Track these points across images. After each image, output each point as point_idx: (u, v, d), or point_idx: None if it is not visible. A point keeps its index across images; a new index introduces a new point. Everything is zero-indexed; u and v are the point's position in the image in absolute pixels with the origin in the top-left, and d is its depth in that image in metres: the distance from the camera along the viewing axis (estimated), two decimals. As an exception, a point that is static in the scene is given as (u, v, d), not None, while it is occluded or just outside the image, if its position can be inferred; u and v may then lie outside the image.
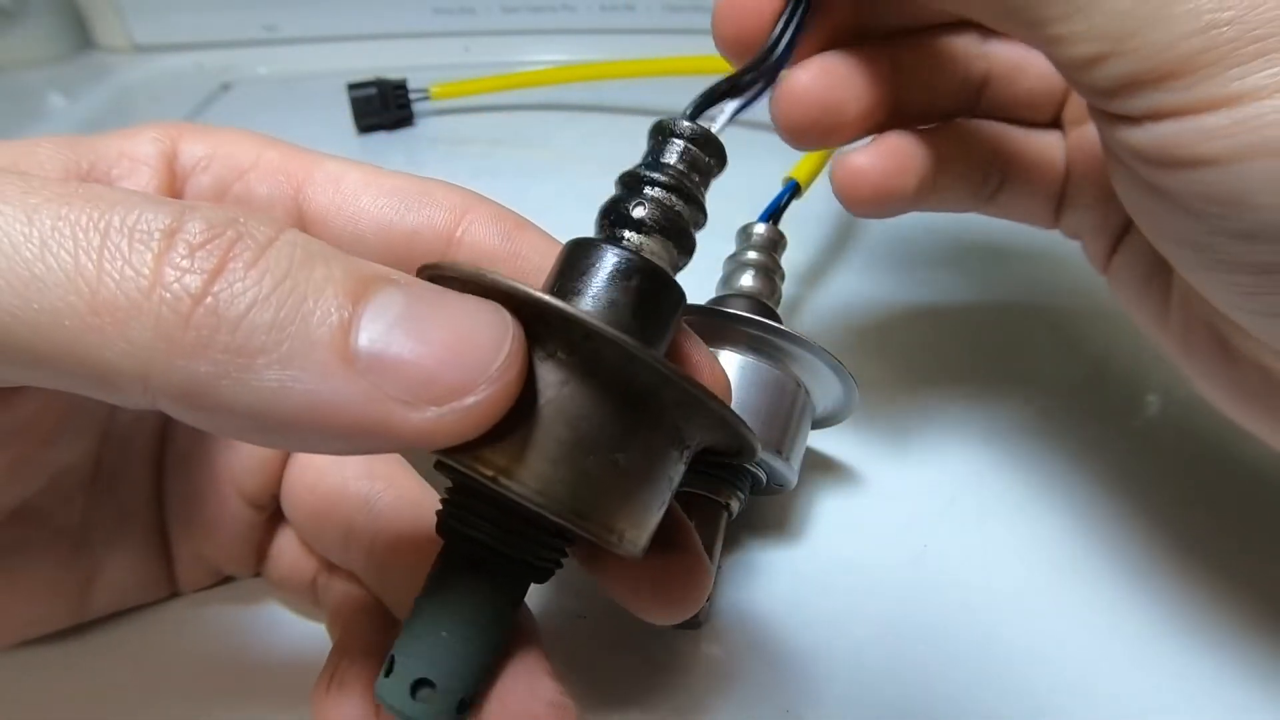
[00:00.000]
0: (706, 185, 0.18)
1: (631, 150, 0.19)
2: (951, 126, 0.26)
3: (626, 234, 0.17)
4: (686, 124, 0.18)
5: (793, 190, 0.32)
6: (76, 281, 0.12)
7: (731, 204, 0.27)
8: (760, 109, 0.22)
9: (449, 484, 0.18)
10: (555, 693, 0.18)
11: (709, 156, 0.18)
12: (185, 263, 0.13)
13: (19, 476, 0.19)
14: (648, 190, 0.17)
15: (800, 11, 0.21)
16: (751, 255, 0.32)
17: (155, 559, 0.23)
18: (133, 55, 0.62)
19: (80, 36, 0.63)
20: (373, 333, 0.13)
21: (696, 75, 0.48)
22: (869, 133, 0.25)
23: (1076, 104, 0.26)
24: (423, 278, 0.17)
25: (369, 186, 0.20)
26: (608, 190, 0.18)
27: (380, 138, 0.53)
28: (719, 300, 0.30)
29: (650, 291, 0.17)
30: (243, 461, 0.23)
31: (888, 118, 0.25)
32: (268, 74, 0.61)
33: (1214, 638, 0.25)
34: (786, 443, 0.25)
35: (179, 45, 0.62)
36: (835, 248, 0.41)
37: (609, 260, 0.16)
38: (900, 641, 0.25)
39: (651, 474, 0.16)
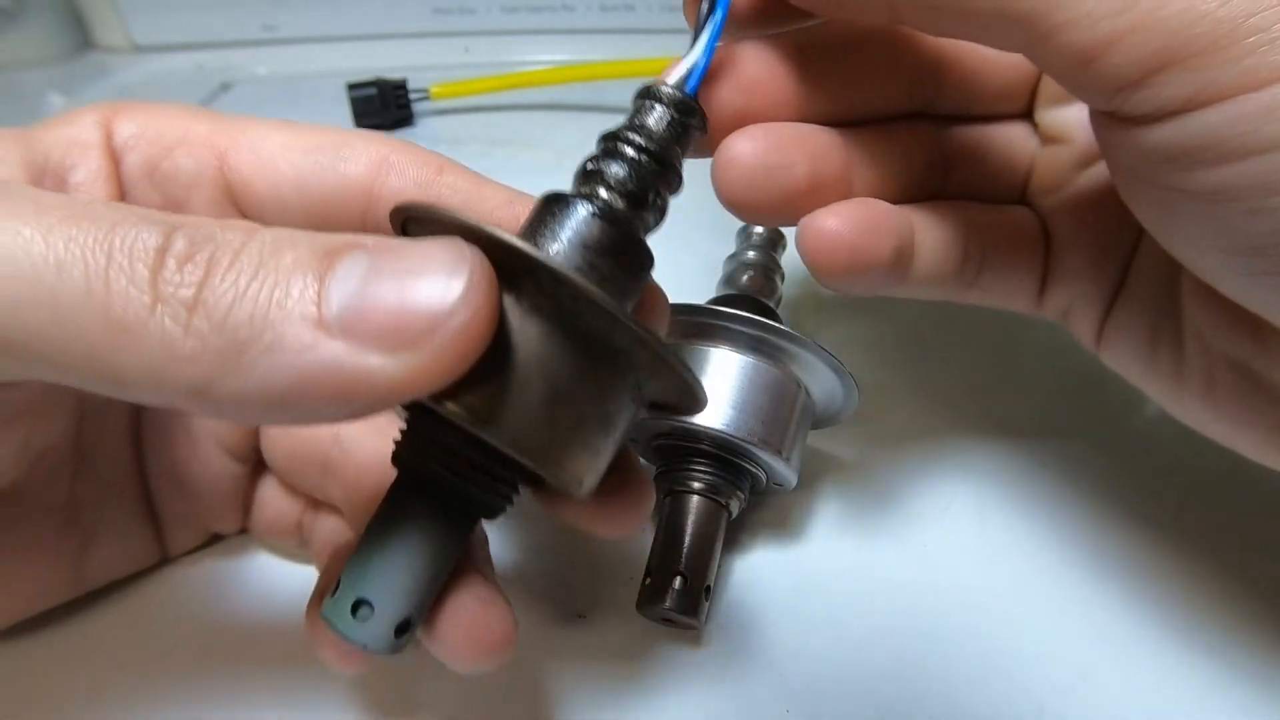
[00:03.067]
0: (685, 149, 0.19)
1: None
2: (924, 206, 0.24)
3: (601, 192, 0.18)
4: (668, 89, 0.18)
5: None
6: (91, 302, 0.14)
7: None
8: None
9: (406, 415, 0.18)
10: (505, 615, 0.19)
11: (689, 121, 0.19)
12: (176, 278, 0.14)
13: (9, 459, 0.20)
14: (626, 150, 0.18)
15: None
16: (751, 255, 0.32)
17: (143, 526, 0.24)
18: (132, 55, 0.62)
19: (80, 36, 0.63)
20: (341, 296, 0.14)
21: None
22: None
23: (1046, 170, 0.24)
24: (395, 220, 0.18)
25: (287, 148, 0.21)
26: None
27: (380, 138, 0.53)
28: (719, 300, 0.30)
29: (620, 248, 0.17)
30: None
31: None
32: (267, 74, 0.61)
33: (1214, 637, 0.25)
34: (786, 443, 0.25)
35: (179, 45, 0.62)
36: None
37: (580, 215, 0.17)
38: (900, 641, 0.25)
39: (613, 425, 0.17)
